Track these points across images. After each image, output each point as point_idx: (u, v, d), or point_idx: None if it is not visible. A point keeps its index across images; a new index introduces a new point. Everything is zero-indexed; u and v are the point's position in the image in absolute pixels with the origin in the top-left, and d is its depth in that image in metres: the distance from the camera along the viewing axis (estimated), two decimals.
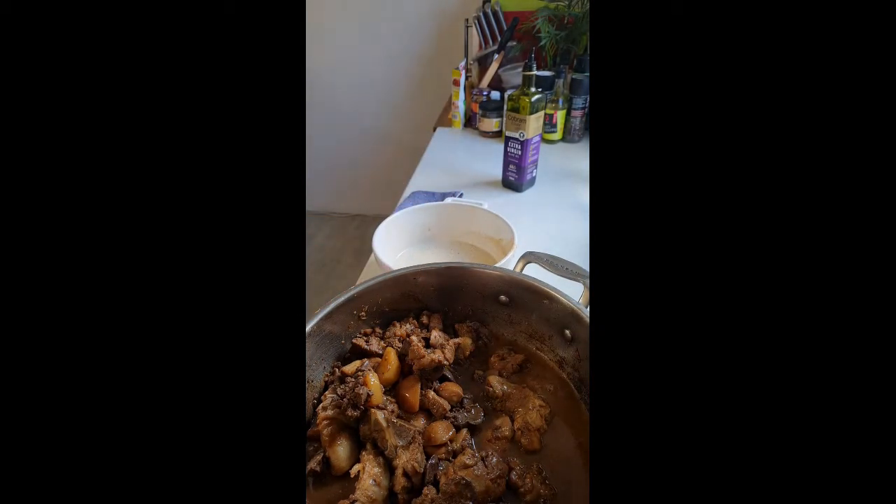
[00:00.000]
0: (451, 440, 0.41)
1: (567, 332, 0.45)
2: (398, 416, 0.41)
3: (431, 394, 0.43)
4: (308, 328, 0.42)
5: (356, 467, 0.38)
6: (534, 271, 0.51)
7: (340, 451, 0.39)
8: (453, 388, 0.44)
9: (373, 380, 0.41)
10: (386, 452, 0.39)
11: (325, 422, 0.40)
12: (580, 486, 0.38)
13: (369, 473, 0.38)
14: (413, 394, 0.43)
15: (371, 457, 0.39)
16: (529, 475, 0.38)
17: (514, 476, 0.38)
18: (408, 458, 0.38)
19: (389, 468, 0.39)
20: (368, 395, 0.40)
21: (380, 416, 0.39)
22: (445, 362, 0.44)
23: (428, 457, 0.39)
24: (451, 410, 0.43)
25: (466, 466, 0.37)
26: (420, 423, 0.42)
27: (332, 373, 0.45)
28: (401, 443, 0.39)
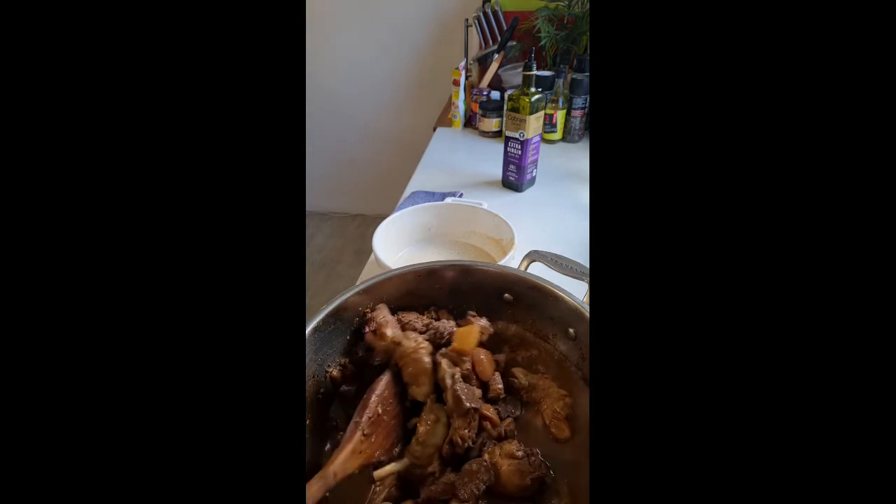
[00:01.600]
0: (498, 425, 0.41)
1: (571, 330, 0.45)
2: (464, 378, 0.42)
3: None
4: (315, 323, 0.43)
5: (413, 420, 0.39)
6: (538, 270, 0.51)
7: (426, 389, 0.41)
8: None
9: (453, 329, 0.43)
10: (446, 408, 0.40)
11: (422, 349, 0.41)
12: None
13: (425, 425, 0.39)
14: (489, 361, 0.44)
15: (432, 410, 0.40)
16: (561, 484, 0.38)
17: (547, 481, 0.38)
18: (458, 426, 0.38)
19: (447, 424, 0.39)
20: (451, 332, 0.42)
21: (447, 372, 0.40)
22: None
23: (480, 431, 0.40)
24: (495, 404, 0.43)
25: (514, 456, 0.37)
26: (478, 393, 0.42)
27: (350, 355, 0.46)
28: (459, 409, 0.39)
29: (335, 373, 0.45)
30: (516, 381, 0.45)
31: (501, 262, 0.62)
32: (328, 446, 0.42)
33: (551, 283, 0.46)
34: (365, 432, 0.37)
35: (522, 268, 0.54)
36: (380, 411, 0.39)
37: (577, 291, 0.46)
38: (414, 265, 0.50)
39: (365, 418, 0.38)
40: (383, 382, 0.41)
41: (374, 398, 0.39)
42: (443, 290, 0.51)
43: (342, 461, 0.36)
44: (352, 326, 0.48)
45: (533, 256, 0.54)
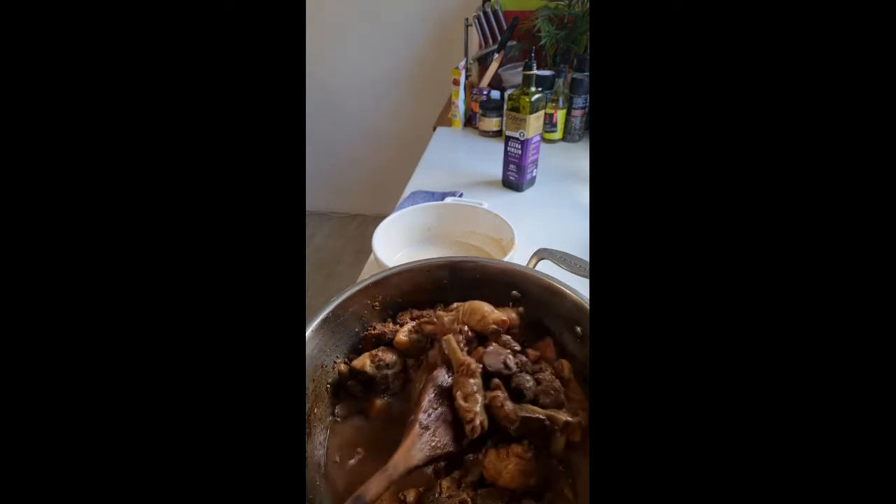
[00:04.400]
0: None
1: (578, 328, 0.45)
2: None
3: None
4: (324, 315, 0.44)
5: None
6: (546, 268, 0.51)
7: None
8: None
9: None
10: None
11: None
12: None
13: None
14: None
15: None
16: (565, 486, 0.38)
17: (551, 477, 0.38)
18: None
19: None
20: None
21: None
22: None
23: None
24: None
25: (521, 457, 0.37)
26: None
27: (349, 361, 0.46)
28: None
29: (343, 367, 0.46)
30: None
31: None
32: (323, 437, 0.42)
33: (558, 281, 0.46)
34: (423, 424, 0.37)
35: (531, 265, 0.54)
36: (435, 406, 0.38)
37: (585, 289, 0.46)
38: (420, 260, 0.50)
39: (422, 415, 0.37)
40: (435, 382, 0.40)
41: (427, 398, 0.39)
42: (450, 287, 0.51)
43: (403, 455, 0.35)
44: (360, 321, 0.48)
45: (541, 254, 0.54)
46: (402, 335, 0.46)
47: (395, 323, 0.49)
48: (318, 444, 0.41)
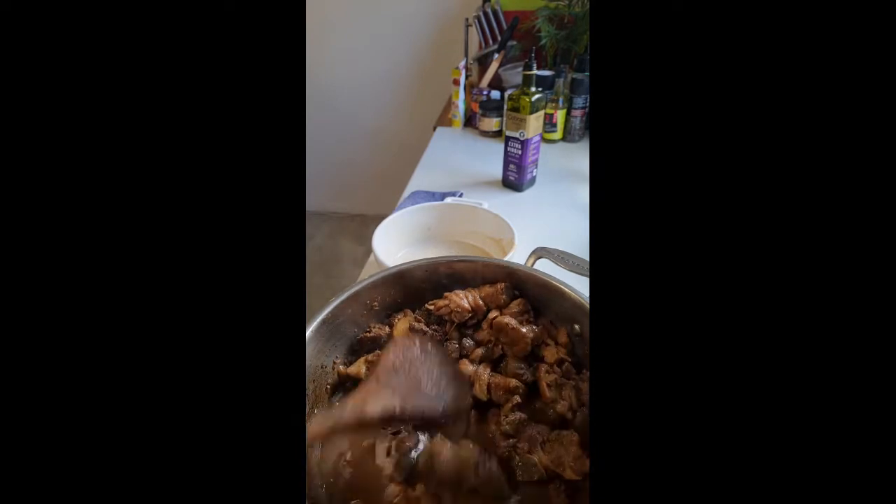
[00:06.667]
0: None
1: (577, 326, 0.46)
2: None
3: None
4: (323, 316, 0.44)
5: None
6: (545, 266, 0.51)
7: None
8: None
9: None
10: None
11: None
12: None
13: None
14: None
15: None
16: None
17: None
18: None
19: None
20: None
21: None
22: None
23: None
24: None
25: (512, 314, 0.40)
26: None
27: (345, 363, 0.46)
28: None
29: (342, 367, 0.46)
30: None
31: None
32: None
33: (557, 280, 0.46)
34: (379, 379, 0.37)
35: (529, 264, 0.54)
36: (397, 364, 0.39)
37: (584, 288, 0.46)
38: (420, 260, 0.50)
39: (380, 368, 0.38)
40: (407, 343, 0.41)
41: (391, 354, 0.39)
42: (449, 287, 0.51)
43: (351, 399, 0.35)
44: (358, 322, 0.48)
45: (540, 253, 0.55)
46: (399, 334, 0.46)
47: (391, 325, 0.49)
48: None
